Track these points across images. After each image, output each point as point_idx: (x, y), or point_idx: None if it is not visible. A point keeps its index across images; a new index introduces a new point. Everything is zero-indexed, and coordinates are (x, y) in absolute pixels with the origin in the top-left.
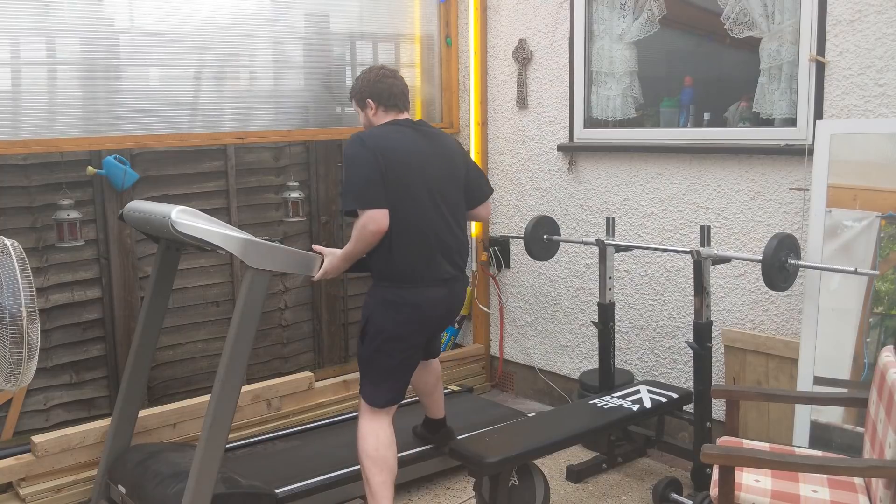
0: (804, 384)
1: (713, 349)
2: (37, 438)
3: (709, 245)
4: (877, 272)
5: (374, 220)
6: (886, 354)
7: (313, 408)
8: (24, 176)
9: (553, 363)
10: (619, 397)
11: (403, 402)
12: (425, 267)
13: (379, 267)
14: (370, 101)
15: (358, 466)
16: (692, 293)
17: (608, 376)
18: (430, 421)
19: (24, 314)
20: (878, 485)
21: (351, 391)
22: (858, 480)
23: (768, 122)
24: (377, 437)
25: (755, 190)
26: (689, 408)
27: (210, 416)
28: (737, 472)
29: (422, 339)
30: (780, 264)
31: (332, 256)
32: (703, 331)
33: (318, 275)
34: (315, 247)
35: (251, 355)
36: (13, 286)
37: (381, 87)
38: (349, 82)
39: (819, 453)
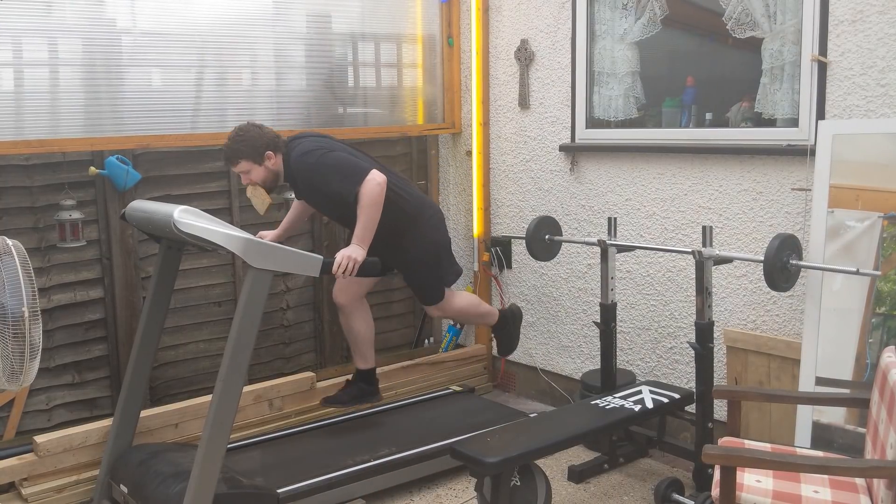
0: (806, 385)
1: (715, 349)
2: (39, 438)
3: (710, 245)
4: (879, 272)
5: (378, 174)
6: (888, 355)
7: (315, 408)
8: (27, 176)
9: (555, 363)
10: (621, 398)
11: (406, 401)
12: (420, 191)
13: (406, 215)
14: (270, 152)
15: (359, 466)
16: (694, 293)
17: (610, 377)
18: (363, 372)
19: (27, 314)
20: (879, 485)
21: None
22: (860, 481)
23: (770, 123)
24: (462, 297)
25: (757, 190)
26: (691, 408)
27: (211, 416)
28: (738, 473)
29: None
30: (781, 265)
31: (348, 248)
32: (704, 331)
33: (337, 264)
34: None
35: (253, 355)
36: (15, 286)
37: (269, 135)
38: (351, 83)
39: (820, 454)
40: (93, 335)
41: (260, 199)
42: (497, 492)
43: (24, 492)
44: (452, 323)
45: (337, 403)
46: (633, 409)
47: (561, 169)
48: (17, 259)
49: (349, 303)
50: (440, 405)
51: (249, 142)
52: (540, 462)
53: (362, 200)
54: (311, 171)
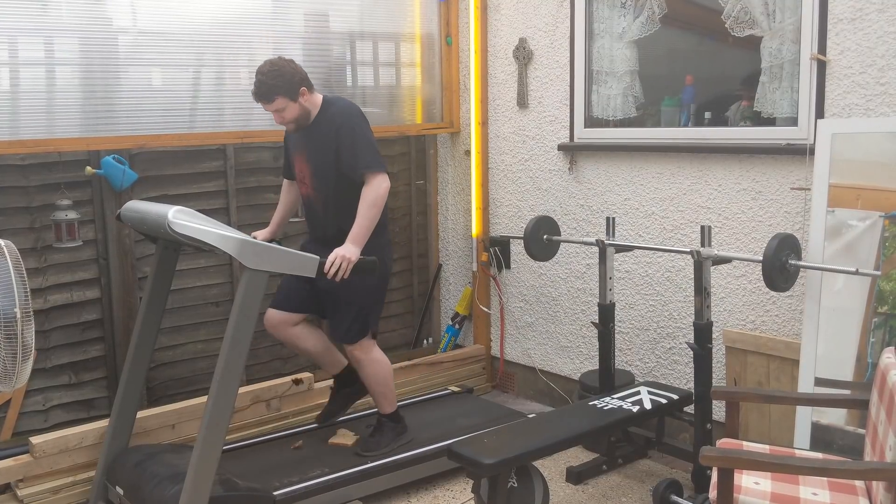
0: (805, 385)
1: (714, 350)
2: (35, 439)
3: (709, 245)
4: (878, 272)
5: (387, 179)
6: (888, 356)
7: (313, 408)
8: (23, 176)
9: (554, 364)
10: (620, 398)
11: (404, 402)
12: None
13: (379, 224)
14: (304, 88)
15: (356, 468)
16: (693, 294)
17: (608, 377)
18: (339, 376)
19: (19, 315)
20: (878, 487)
21: None
22: (859, 483)
23: (769, 122)
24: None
25: (756, 190)
26: (690, 409)
27: (207, 417)
28: (736, 475)
29: None
30: (780, 265)
31: (341, 247)
32: (703, 332)
33: (329, 263)
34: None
35: (251, 356)
36: (7, 287)
37: (302, 71)
38: (349, 82)
39: (819, 455)
40: (89, 336)
41: None
42: (494, 493)
43: (20, 493)
44: (451, 323)
45: (332, 417)
46: (631, 409)
47: (559, 168)
48: (9, 259)
49: (286, 337)
50: (438, 406)
51: (286, 76)
52: (538, 463)
53: (367, 196)
54: (347, 125)
